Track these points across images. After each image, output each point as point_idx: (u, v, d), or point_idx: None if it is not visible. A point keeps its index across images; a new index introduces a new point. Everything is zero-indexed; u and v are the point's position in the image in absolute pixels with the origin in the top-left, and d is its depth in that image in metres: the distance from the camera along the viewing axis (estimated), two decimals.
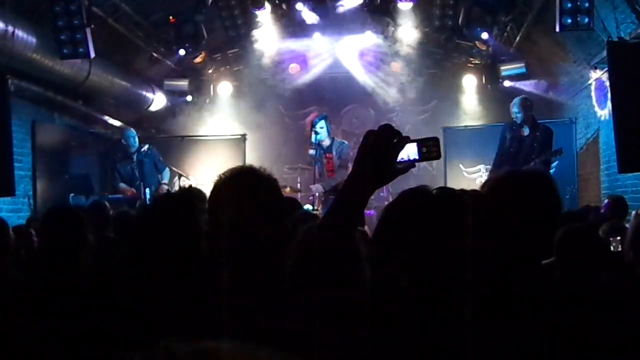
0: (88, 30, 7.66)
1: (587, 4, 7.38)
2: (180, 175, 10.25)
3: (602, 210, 6.68)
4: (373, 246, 1.65)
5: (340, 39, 11.29)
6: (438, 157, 1.67)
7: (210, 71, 11.98)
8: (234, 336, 1.64)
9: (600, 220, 5.29)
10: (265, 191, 2.02)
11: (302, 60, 11.77)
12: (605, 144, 9.33)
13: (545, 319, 1.79)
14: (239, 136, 11.90)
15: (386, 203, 1.53)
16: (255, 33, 11.10)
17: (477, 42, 10.56)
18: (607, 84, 8.40)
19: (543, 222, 1.99)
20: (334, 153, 8.28)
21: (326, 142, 8.31)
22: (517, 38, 10.15)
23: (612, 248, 3.84)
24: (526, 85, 10.88)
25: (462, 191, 1.64)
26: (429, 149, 1.64)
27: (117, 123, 10.92)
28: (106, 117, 10.77)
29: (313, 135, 8.20)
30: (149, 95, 11.18)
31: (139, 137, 9.67)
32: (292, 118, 11.77)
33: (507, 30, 10.18)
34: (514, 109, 8.24)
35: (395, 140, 1.55)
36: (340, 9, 10.23)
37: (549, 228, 2.08)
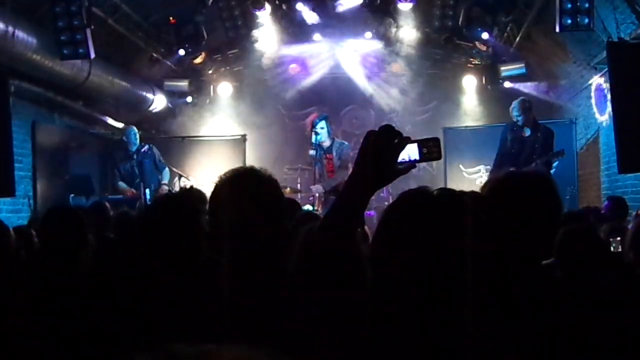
0: (88, 31, 7.66)
1: (587, 5, 7.38)
2: (180, 176, 10.24)
3: (602, 211, 6.68)
4: (373, 247, 1.65)
5: (340, 41, 11.28)
6: (439, 157, 1.66)
7: (210, 72, 11.98)
8: (234, 337, 1.64)
9: (601, 221, 5.29)
10: (266, 192, 2.02)
11: (303, 62, 11.76)
12: (605, 144, 9.33)
13: (546, 320, 1.79)
14: (239, 137, 11.91)
15: (386, 204, 1.53)
16: (256, 33, 11.10)
17: (477, 43, 10.56)
18: (606, 88, 8.42)
19: (543, 223, 1.99)
20: (334, 154, 8.28)
21: (326, 143, 8.31)
22: (517, 38, 10.16)
23: (612, 249, 3.84)
24: (526, 86, 10.88)
25: (462, 192, 1.64)
26: (430, 150, 1.64)
27: (117, 124, 10.92)
28: (106, 118, 10.77)
29: (313, 136, 8.20)
30: (149, 95, 11.18)
31: (140, 136, 9.69)
32: (292, 118, 11.77)
33: (507, 30, 10.18)
34: (514, 112, 8.25)
35: (395, 141, 1.55)
36: (340, 8, 10.22)
37: (549, 229, 2.08)
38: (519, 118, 8.19)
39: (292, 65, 11.75)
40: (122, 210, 6.61)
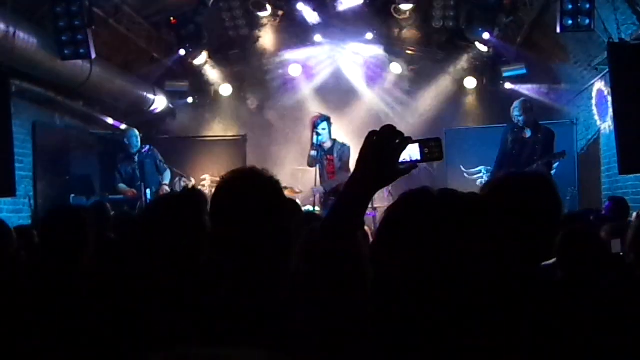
0: (89, 31, 7.67)
1: (588, 6, 7.38)
2: (181, 177, 10.25)
3: (603, 212, 6.68)
4: (374, 247, 1.65)
5: (341, 42, 11.26)
6: (440, 158, 1.66)
7: (211, 72, 11.98)
8: (235, 337, 1.64)
9: (601, 222, 5.28)
10: (267, 192, 2.02)
11: (304, 63, 11.76)
12: (605, 145, 9.34)
13: (546, 320, 1.79)
14: (240, 137, 11.91)
15: (387, 204, 1.53)
16: (257, 34, 11.10)
17: (477, 44, 10.56)
18: (608, 92, 8.42)
19: (543, 223, 1.99)
20: (335, 155, 8.29)
21: (328, 144, 8.32)
22: (518, 39, 10.16)
23: (613, 249, 3.84)
24: (527, 87, 10.88)
25: (462, 194, 1.64)
26: (431, 150, 1.63)
27: (117, 124, 10.93)
28: (107, 118, 10.78)
29: (315, 136, 8.20)
30: (150, 96, 11.18)
31: (140, 137, 9.69)
32: (293, 119, 11.76)
33: (507, 31, 10.18)
34: (515, 112, 8.24)
35: (397, 141, 1.55)
36: (341, 7, 10.22)
37: (549, 229, 2.08)
38: (520, 118, 8.19)
39: (293, 66, 11.73)
40: (122, 210, 6.62)
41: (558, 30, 7.66)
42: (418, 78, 11.78)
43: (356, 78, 11.89)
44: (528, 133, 8.25)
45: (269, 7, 10.35)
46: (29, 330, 2.71)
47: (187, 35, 10.15)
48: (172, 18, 10.06)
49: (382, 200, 9.17)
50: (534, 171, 7.34)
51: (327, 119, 8.35)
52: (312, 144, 8.24)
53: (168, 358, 0.72)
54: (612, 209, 6.56)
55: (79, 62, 8.23)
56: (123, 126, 10.72)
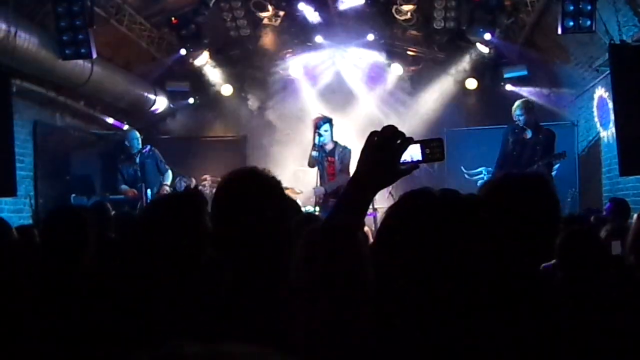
0: (90, 31, 7.67)
1: (589, 7, 7.38)
2: (182, 177, 10.25)
3: (604, 213, 6.68)
4: (375, 247, 1.65)
5: (343, 44, 11.24)
6: (442, 158, 1.66)
7: (212, 72, 11.97)
8: (235, 337, 1.64)
9: (602, 223, 5.28)
10: (268, 192, 2.02)
11: (305, 64, 11.75)
12: (606, 146, 9.33)
13: (545, 321, 1.79)
14: (241, 137, 11.90)
15: (388, 205, 1.53)
16: (258, 34, 11.11)
17: (479, 45, 10.56)
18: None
19: (542, 223, 1.99)
20: (337, 157, 8.29)
21: (329, 146, 8.32)
22: (519, 41, 10.15)
23: (613, 251, 3.84)
24: (528, 88, 10.87)
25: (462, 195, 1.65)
26: (433, 151, 1.63)
27: (119, 124, 10.93)
28: (108, 118, 10.78)
29: (316, 137, 8.21)
30: (151, 96, 11.19)
31: (141, 137, 9.70)
32: (294, 120, 11.76)
33: (509, 33, 10.18)
34: (517, 111, 8.24)
35: (398, 142, 1.55)
36: (342, 6, 10.22)
37: (548, 229, 2.08)
38: (521, 118, 8.18)
39: (294, 66, 11.73)
40: (123, 210, 6.62)
41: (559, 31, 7.66)
42: (419, 79, 11.77)
43: (357, 79, 11.88)
44: (529, 134, 8.25)
45: (270, 7, 10.35)
46: (30, 330, 2.71)
47: (188, 35, 10.16)
48: (173, 18, 10.06)
49: (382, 201, 9.15)
50: (532, 172, 7.33)
51: (329, 121, 8.36)
52: (314, 145, 8.24)
53: (167, 357, 0.72)
54: (613, 210, 6.56)
55: (80, 62, 8.24)
56: (125, 126, 10.72)
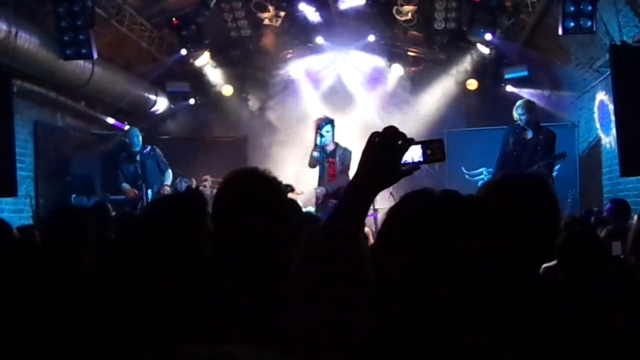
0: (91, 32, 7.67)
1: (589, 8, 7.38)
2: (182, 177, 10.25)
3: (605, 214, 6.67)
4: (376, 248, 1.65)
5: (343, 44, 11.24)
6: (442, 159, 1.66)
7: (212, 73, 11.98)
8: (235, 337, 1.64)
9: (603, 224, 5.28)
10: (268, 192, 2.03)
11: (306, 65, 11.75)
12: (607, 148, 9.33)
13: (545, 321, 1.79)
14: (241, 138, 11.91)
15: (388, 205, 1.53)
16: (258, 35, 11.11)
17: (479, 45, 10.56)
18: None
19: (541, 224, 1.99)
20: (337, 159, 8.31)
21: (330, 147, 8.34)
22: (520, 41, 10.15)
23: (613, 252, 3.84)
24: (528, 91, 10.87)
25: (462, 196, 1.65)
26: (434, 151, 1.63)
27: (120, 125, 10.93)
28: (108, 119, 10.79)
29: (318, 138, 8.23)
30: (152, 96, 11.19)
31: (142, 137, 9.70)
32: (295, 120, 11.76)
33: (509, 33, 10.18)
34: (519, 110, 8.24)
35: (399, 143, 1.55)
36: (342, 6, 10.21)
37: (548, 230, 2.08)
38: (523, 117, 8.18)
39: (294, 67, 11.73)
40: (123, 210, 6.62)
41: (560, 32, 7.66)
42: (420, 79, 11.78)
43: (358, 79, 11.89)
44: (529, 134, 8.24)
45: (270, 8, 10.35)
46: (30, 330, 2.71)
47: (188, 35, 10.16)
48: (173, 19, 10.06)
49: (383, 202, 9.16)
50: (531, 172, 7.33)
51: (331, 122, 8.38)
52: (315, 145, 8.26)
53: (168, 358, 0.72)
54: (614, 211, 6.56)
55: (81, 62, 8.25)
56: (126, 127, 10.72)
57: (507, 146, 8.39)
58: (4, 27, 6.84)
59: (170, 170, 9.85)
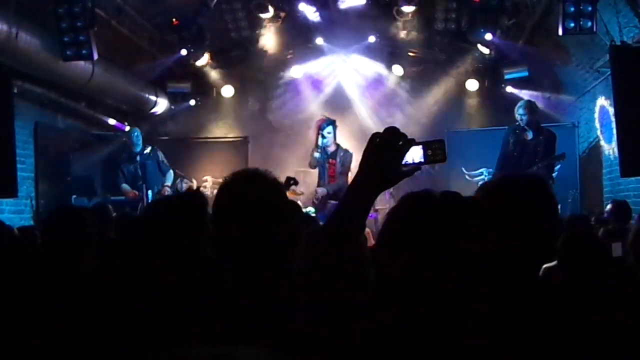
0: (91, 32, 7.67)
1: (590, 8, 7.38)
2: (182, 178, 10.25)
3: (605, 214, 6.68)
4: (376, 249, 1.65)
5: (343, 44, 11.23)
6: (443, 160, 1.65)
7: (213, 73, 11.98)
8: (236, 338, 1.64)
9: (603, 224, 5.29)
10: (269, 193, 2.02)
11: (306, 66, 11.75)
12: (607, 148, 9.33)
13: (545, 321, 1.79)
14: (242, 138, 11.91)
15: (389, 206, 1.52)
16: (258, 35, 11.11)
17: (480, 46, 10.56)
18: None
19: (541, 225, 1.99)
20: (338, 160, 8.33)
21: (331, 148, 8.36)
22: (520, 42, 10.15)
23: (613, 253, 3.84)
24: (528, 93, 10.87)
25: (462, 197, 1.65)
26: (434, 152, 1.63)
27: (120, 126, 10.93)
28: (109, 119, 10.79)
29: (319, 139, 8.24)
30: (152, 97, 11.19)
31: (142, 138, 9.71)
32: (295, 120, 11.76)
33: (509, 34, 10.17)
34: (520, 110, 8.25)
35: (400, 143, 1.55)
36: (342, 5, 10.21)
37: (548, 230, 2.08)
38: (524, 118, 8.19)
39: (295, 68, 11.72)
40: (124, 211, 6.62)
41: (560, 32, 7.66)
42: (420, 80, 11.77)
43: (358, 81, 11.87)
44: (530, 135, 8.25)
45: (271, 8, 10.34)
46: (30, 330, 2.71)
47: (189, 36, 10.16)
48: (174, 19, 10.06)
49: (383, 202, 9.17)
50: (530, 173, 7.34)
51: (332, 123, 8.41)
52: (316, 146, 8.28)
53: (168, 358, 0.72)
54: (615, 211, 6.56)
55: (81, 63, 8.24)
56: (127, 128, 10.73)
57: (507, 147, 8.40)
58: (5, 27, 6.84)
59: (171, 171, 9.85)
